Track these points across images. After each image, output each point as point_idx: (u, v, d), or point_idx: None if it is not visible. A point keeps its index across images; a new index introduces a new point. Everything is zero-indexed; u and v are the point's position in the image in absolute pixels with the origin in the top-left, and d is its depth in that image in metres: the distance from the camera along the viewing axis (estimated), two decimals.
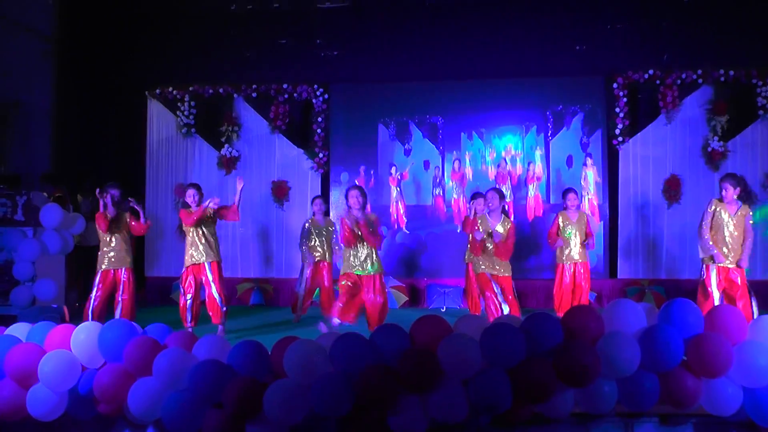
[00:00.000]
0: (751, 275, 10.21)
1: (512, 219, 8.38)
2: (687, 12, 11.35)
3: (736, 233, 7.79)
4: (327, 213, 10.49)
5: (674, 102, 11.18)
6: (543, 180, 11.60)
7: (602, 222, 11.33)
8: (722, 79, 11.09)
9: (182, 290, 8.56)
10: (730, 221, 7.80)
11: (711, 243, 7.81)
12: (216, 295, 8.51)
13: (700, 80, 11.17)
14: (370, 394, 4.91)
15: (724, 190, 7.84)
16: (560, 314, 8.80)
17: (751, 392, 5.15)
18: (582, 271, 9.28)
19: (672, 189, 11.13)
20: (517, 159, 11.71)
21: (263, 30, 11.97)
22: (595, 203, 11.42)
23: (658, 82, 11.23)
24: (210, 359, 5.22)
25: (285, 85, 11.81)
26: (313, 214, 9.89)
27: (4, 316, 8.71)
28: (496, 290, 7.95)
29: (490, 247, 8.00)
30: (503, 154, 11.69)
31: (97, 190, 8.66)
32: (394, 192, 11.79)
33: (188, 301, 8.50)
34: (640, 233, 11.22)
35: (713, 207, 7.88)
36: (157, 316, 7.80)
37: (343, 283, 8.10)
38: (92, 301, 8.52)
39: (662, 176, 11.22)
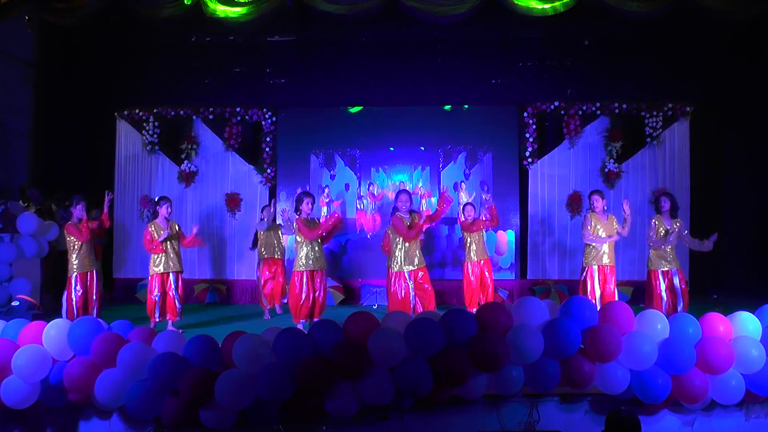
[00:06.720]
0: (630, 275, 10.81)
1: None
2: (587, 54, 11.58)
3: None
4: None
5: (576, 129, 11.40)
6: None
7: (514, 230, 11.46)
8: (617, 111, 11.37)
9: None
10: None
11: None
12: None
13: (599, 111, 11.40)
14: (309, 381, 4.94)
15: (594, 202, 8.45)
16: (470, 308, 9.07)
17: (637, 374, 5.37)
18: (485, 269, 9.30)
19: (574, 203, 11.34)
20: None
21: (220, 59, 11.86)
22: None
23: (562, 112, 11.44)
24: (167, 352, 5.19)
25: (238, 109, 11.73)
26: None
27: None
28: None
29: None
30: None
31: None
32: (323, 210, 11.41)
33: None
34: (547, 240, 11.39)
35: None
36: (123, 314, 7.71)
37: None
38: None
39: (566, 192, 11.41)
